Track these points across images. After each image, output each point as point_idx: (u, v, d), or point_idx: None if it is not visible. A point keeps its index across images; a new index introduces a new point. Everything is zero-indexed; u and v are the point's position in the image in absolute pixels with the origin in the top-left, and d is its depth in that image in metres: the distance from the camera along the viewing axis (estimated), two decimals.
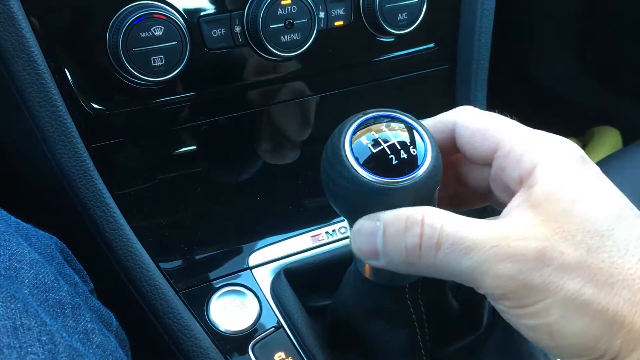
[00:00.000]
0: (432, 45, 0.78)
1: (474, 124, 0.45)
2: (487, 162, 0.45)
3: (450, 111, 0.47)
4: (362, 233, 0.43)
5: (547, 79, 1.70)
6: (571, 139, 1.48)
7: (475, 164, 0.47)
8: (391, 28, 0.71)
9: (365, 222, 0.42)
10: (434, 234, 0.39)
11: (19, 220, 0.55)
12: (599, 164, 1.02)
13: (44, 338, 0.43)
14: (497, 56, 0.82)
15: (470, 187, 0.49)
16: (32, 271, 0.49)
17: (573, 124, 1.65)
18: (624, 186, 0.96)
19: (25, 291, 0.47)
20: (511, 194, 0.43)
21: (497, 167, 0.44)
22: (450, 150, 0.47)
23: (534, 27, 1.64)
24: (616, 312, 0.38)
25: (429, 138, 0.44)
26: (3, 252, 0.48)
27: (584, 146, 1.60)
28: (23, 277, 0.48)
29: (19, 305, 0.44)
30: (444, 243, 0.39)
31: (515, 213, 0.41)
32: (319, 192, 0.45)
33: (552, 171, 0.41)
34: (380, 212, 0.42)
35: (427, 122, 0.47)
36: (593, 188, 0.41)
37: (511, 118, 0.46)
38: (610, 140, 1.56)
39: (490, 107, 0.85)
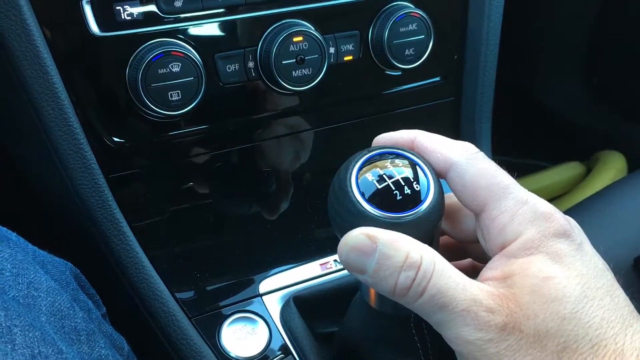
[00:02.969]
0: (437, 79, 0.80)
1: (468, 177, 0.45)
2: (475, 213, 0.46)
3: (451, 146, 0.47)
4: (356, 249, 0.42)
5: (552, 103, 1.71)
6: (576, 164, 1.48)
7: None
8: (399, 63, 0.73)
9: (361, 239, 0.42)
10: (423, 282, 0.41)
11: (35, 248, 0.57)
12: (603, 190, 1.03)
13: None
14: (501, 79, 0.84)
15: (460, 237, 0.50)
16: (49, 299, 0.51)
17: (578, 148, 1.66)
18: (628, 215, 0.97)
19: (43, 319, 0.49)
20: (492, 252, 0.44)
21: (482, 225, 0.45)
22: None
23: (539, 49, 1.66)
24: None
25: (432, 174, 0.46)
26: (21, 280, 0.50)
27: (589, 170, 1.61)
28: (40, 305, 0.50)
29: (37, 333, 0.45)
30: (426, 293, 0.41)
31: (490, 279, 0.42)
32: (328, 222, 0.47)
33: (530, 246, 0.42)
34: (378, 232, 0.42)
35: (426, 146, 0.47)
36: (566, 266, 0.42)
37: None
38: (615, 165, 1.57)
39: (496, 131, 0.87)
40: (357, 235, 0.42)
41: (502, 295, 0.41)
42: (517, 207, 0.43)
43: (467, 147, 0.46)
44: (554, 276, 0.41)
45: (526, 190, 0.45)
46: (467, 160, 0.45)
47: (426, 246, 0.43)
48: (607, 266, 0.45)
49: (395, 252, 0.41)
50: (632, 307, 0.43)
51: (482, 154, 0.46)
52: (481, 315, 0.40)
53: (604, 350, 0.40)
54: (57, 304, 0.52)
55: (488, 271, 0.43)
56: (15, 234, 0.56)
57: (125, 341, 0.60)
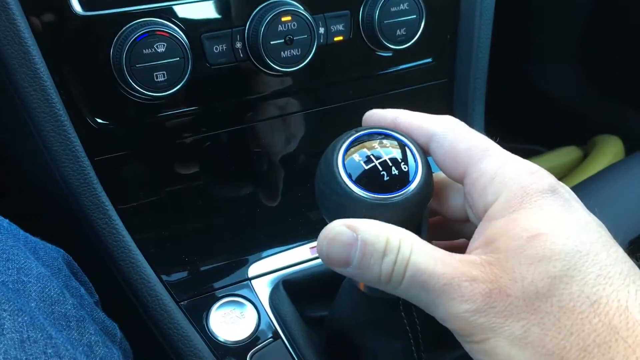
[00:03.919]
0: (429, 60, 0.79)
1: (447, 144, 0.44)
2: (460, 183, 0.45)
3: (432, 120, 0.46)
4: (337, 242, 0.41)
5: (550, 87, 1.70)
6: (573, 148, 1.47)
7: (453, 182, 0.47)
8: (390, 43, 0.72)
9: (342, 230, 0.41)
10: (403, 263, 0.40)
11: (27, 234, 0.56)
12: (600, 173, 1.03)
13: (50, 351, 0.45)
14: (498, 64, 0.83)
15: (449, 214, 0.49)
16: (39, 285, 0.50)
17: (575, 132, 1.65)
18: (623, 197, 0.96)
19: (32, 304, 0.48)
20: (478, 220, 0.42)
21: (466, 192, 0.44)
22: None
23: (536, 35, 1.65)
24: (562, 357, 0.37)
25: (420, 155, 0.45)
26: (12, 265, 0.50)
27: (585, 155, 1.61)
28: (30, 291, 0.49)
29: (26, 318, 0.45)
30: (407, 274, 0.40)
31: (476, 248, 0.40)
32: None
33: (512, 204, 0.40)
34: (357, 221, 0.41)
35: (408, 124, 0.46)
36: (553, 222, 0.39)
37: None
38: (612, 149, 1.56)
39: (492, 116, 0.86)
40: (337, 227, 0.41)
41: (485, 262, 0.39)
42: (496, 166, 0.42)
43: (448, 119, 0.46)
44: (541, 233, 0.38)
45: (507, 152, 0.43)
46: (445, 129, 0.45)
47: (403, 229, 0.41)
48: (602, 223, 0.42)
49: (376, 238, 0.40)
50: (632, 262, 0.40)
51: (462, 123, 0.45)
52: (464, 286, 0.38)
53: (605, 307, 0.37)
54: (47, 290, 0.51)
55: (474, 241, 0.41)
56: (7, 220, 0.56)
57: (117, 328, 0.60)
